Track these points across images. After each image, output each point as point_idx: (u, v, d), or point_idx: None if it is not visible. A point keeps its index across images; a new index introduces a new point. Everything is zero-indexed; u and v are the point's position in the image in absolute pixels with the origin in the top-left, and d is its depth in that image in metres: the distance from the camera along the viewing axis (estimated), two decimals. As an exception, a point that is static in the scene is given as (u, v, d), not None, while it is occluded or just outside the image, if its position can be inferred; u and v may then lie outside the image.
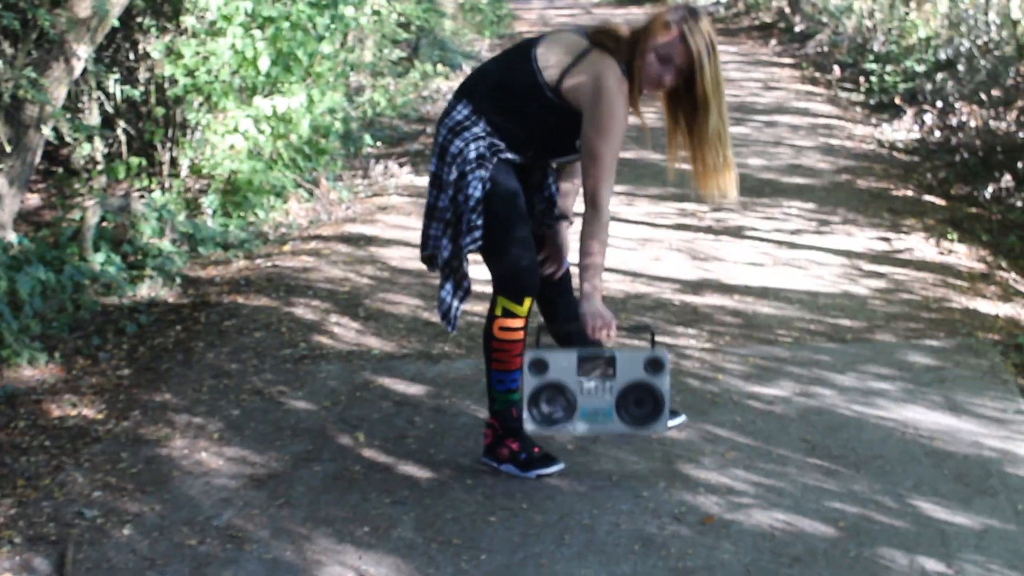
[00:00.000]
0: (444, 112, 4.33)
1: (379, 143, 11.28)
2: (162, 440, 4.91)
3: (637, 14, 28.75)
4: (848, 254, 7.36)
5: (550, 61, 4.17)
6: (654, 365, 4.14)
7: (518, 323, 4.35)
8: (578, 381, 4.13)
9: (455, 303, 4.39)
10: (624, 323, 4.30)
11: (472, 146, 4.21)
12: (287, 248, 7.80)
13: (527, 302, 4.34)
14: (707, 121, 4.17)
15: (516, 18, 26.16)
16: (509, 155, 4.27)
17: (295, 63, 8.69)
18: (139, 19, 8.64)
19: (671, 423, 4.66)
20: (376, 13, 12.76)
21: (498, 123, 4.23)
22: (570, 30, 4.30)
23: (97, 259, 6.85)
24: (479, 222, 4.22)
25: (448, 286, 4.39)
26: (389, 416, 5.07)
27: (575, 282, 4.40)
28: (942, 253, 7.39)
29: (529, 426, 4.18)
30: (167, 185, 8.49)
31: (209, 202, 8.18)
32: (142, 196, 8.10)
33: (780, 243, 7.62)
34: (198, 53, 8.30)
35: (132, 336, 6.20)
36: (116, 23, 7.48)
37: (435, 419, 5.03)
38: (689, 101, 4.18)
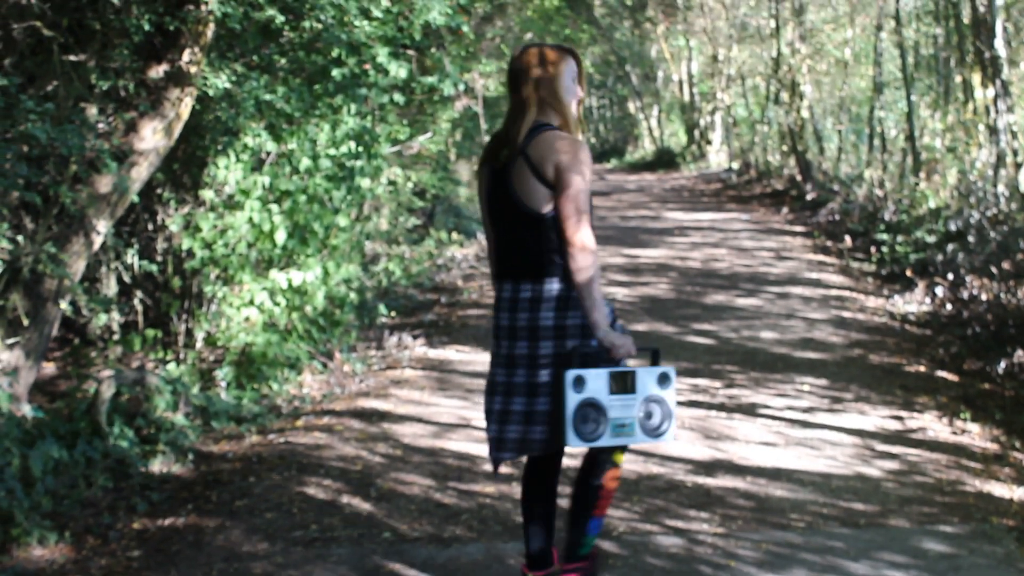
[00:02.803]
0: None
1: (393, 313, 11.36)
2: (170, 627, 4.87)
3: (650, 179, 29.08)
4: (861, 433, 7.34)
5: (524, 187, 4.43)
6: (664, 380, 4.45)
7: (619, 472, 4.62)
8: (608, 397, 4.35)
9: None
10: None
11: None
12: (300, 423, 7.81)
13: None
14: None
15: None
16: None
17: (311, 236, 8.81)
18: (159, 191, 8.79)
19: None
20: (392, 183, 12.96)
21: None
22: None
23: (111, 434, 6.87)
24: None
25: None
26: (399, 604, 5.03)
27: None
28: (955, 433, 7.38)
29: (575, 443, 4.33)
30: (182, 356, 8.54)
31: (223, 374, 8.22)
32: (157, 367, 8.15)
33: (793, 421, 7.61)
34: (215, 226, 8.42)
35: (143, 514, 6.18)
36: (135, 197, 7.61)
37: (445, 607, 4.98)
38: None
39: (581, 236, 4.33)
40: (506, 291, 4.52)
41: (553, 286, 4.42)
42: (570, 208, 4.32)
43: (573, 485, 4.64)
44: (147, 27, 7.03)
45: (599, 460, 4.54)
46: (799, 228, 17.86)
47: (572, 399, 4.31)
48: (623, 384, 4.38)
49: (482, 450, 7.07)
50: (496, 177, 4.51)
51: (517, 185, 4.41)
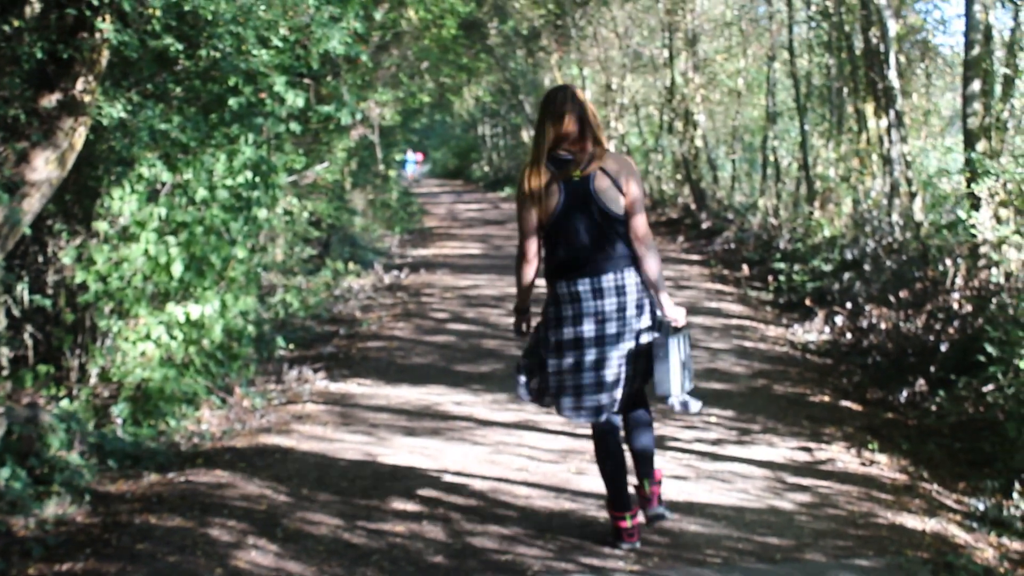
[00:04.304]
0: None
1: (292, 346, 11.17)
2: None
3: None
4: (771, 465, 7.30)
5: (608, 195, 5.51)
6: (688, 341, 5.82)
7: None
8: (687, 356, 5.74)
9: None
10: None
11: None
12: (200, 461, 7.57)
13: None
14: None
15: (426, 213, 26.34)
16: None
17: (208, 268, 8.61)
18: (50, 223, 8.52)
19: None
20: (288, 213, 12.77)
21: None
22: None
23: (2, 474, 6.60)
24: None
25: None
26: (310, 650, 4.85)
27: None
28: (864, 464, 7.37)
29: (684, 393, 5.67)
30: (75, 392, 8.27)
31: (119, 411, 7.98)
32: (49, 404, 7.88)
33: (703, 454, 7.56)
34: (110, 259, 8.18)
35: (39, 559, 5.91)
36: (27, 229, 7.36)
37: (359, 653, 4.82)
38: None
39: (649, 231, 5.60)
40: (605, 281, 5.55)
41: (636, 271, 5.58)
42: (643, 211, 5.54)
43: (635, 430, 5.93)
44: (39, 55, 6.83)
45: (644, 404, 5.97)
46: (695, 257, 17.94)
47: (679, 358, 5.58)
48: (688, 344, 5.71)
49: (392, 484, 6.92)
50: (574, 189, 5.49)
51: (602, 194, 5.48)
